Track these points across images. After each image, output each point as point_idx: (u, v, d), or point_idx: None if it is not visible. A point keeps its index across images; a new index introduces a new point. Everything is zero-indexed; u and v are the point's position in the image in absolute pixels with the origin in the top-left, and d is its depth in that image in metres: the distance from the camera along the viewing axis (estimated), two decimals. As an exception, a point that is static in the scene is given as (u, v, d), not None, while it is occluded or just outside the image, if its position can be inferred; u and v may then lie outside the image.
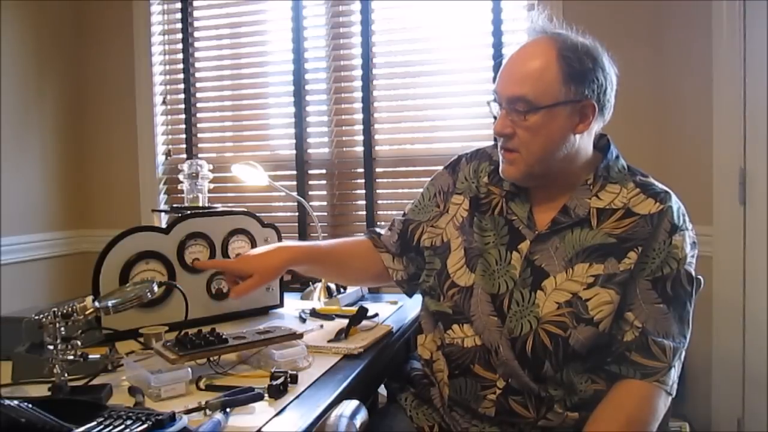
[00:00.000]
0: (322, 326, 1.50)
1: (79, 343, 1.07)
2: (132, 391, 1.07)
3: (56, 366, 1.05)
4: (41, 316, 1.05)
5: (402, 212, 1.44)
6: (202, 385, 1.10)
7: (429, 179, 1.44)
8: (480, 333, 1.22)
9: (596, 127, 1.22)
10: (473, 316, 1.23)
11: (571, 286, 1.17)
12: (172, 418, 0.86)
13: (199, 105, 2.98)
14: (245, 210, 1.67)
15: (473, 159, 1.38)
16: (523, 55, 1.20)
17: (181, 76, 2.95)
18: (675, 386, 1.16)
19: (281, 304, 1.68)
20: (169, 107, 3.00)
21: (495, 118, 1.22)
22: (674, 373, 1.15)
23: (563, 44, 1.17)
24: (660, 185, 1.23)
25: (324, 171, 2.83)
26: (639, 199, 1.20)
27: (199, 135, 2.98)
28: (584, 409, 1.17)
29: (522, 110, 1.16)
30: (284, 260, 1.35)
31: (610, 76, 1.19)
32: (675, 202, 1.20)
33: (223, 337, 1.18)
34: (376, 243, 1.44)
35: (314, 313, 1.60)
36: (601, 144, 1.28)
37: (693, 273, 1.18)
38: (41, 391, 1.07)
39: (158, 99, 2.97)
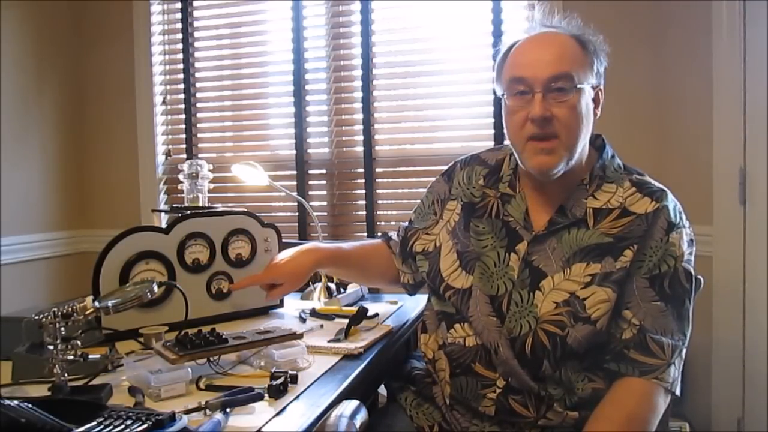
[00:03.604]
0: (322, 326, 1.49)
1: (79, 343, 1.07)
2: (132, 391, 1.07)
3: (56, 366, 1.04)
4: (41, 316, 1.05)
5: (409, 218, 1.46)
6: (202, 385, 1.10)
7: (428, 179, 1.45)
8: (479, 333, 1.22)
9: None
10: (471, 317, 1.23)
11: (569, 286, 1.17)
12: (172, 418, 0.86)
13: (199, 105, 2.98)
14: (245, 210, 1.67)
15: (467, 165, 1.39)
16: (544, 40, 1.19)
17: (181, 76, 2.95)
18: (677, 384, 1.15)
19: (281, 304, 1.67)
20: (169, 107, 3.00)
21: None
22: (674, 371, 1.14)
23: (573, 33, 1.19)
24: (656, 183, 1.23)
25: (324, 171, 2.83)
26: (635, 198, 1.20)
27: (199, 135, 2.98)
28: (584, 408, 1.17)
29: (567, 87, 1.14)
30: (310, 266, 1.42)
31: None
32: (671, 200, 1.20)
33: (223, 337, 1.18)
34: (389, 246, 1.47)
35: (314, 313, 1.60)
36: (597, 144, 1.28)
37: (692, 270, 1.18)
38: (41, 391, 1.07)
39: (158, 99, 2.97)
